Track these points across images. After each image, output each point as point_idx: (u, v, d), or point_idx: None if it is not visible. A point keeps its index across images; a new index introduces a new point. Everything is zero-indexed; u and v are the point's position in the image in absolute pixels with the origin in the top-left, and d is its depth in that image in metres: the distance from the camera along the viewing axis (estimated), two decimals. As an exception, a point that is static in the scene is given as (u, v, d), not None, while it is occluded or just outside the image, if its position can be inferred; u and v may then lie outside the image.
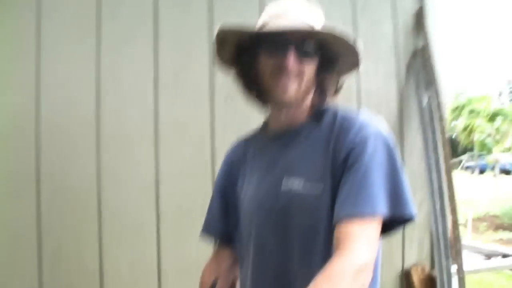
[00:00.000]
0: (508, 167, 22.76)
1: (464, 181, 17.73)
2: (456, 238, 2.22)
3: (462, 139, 12.76)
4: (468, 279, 3.20)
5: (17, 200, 1.87)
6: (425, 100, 2.25)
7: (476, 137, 11.25)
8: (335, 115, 1.11)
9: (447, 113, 2.02)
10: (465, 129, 11.07)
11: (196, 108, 2.08)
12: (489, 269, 3.14)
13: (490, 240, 8.85)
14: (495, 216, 11.44)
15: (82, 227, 1.91)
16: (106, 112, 1.95)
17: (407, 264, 2.40)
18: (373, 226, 0.97)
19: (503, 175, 20.31)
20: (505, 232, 9.76)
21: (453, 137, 16.81)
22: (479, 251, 3.35)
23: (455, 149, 23.35)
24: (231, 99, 2.05)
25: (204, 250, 1.82)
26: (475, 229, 10.13)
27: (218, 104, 2.09)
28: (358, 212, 0.96)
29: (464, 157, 22.62)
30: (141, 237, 1.99)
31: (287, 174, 1.09)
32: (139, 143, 2.00)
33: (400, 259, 2.39)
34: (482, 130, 10.60)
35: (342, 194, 1.00)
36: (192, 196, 1.95)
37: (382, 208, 0.97)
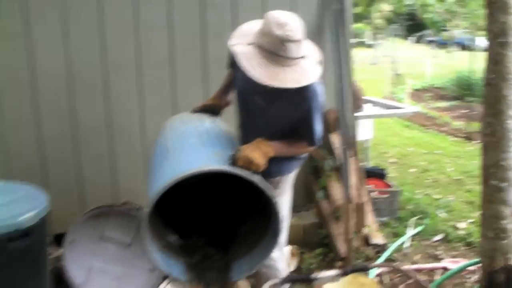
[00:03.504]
0: (465, 42, 23.73)
1: (419, 55, 18.93)
2: (353, 92, 3.31)
3: (420, 16, 13.60)
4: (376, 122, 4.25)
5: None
6: None
7: (427, 15, 12.07)
8: (301, 87, 1.85)
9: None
10: (422, 6, 11.81)
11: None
12: (377, 116, 4.40)
13: (429, 108, 9.87)
14: (440, 88, 12.50)
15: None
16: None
17: (326, 108, 3.17)
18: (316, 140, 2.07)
19: (461, 50, 21.39)
20: (443, 102, 10.86)
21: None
22: (383, 106, 4.59)
23: (419, 24, 23.98)
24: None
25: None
26: (419, 98, 11.24)
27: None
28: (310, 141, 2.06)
29: (426, 32, 23.50)
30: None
31: (271, 121, 2.06)
32: None
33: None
34: (432, 10, 11.37)
35: (300, 131, 2.03)
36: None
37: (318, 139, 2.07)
